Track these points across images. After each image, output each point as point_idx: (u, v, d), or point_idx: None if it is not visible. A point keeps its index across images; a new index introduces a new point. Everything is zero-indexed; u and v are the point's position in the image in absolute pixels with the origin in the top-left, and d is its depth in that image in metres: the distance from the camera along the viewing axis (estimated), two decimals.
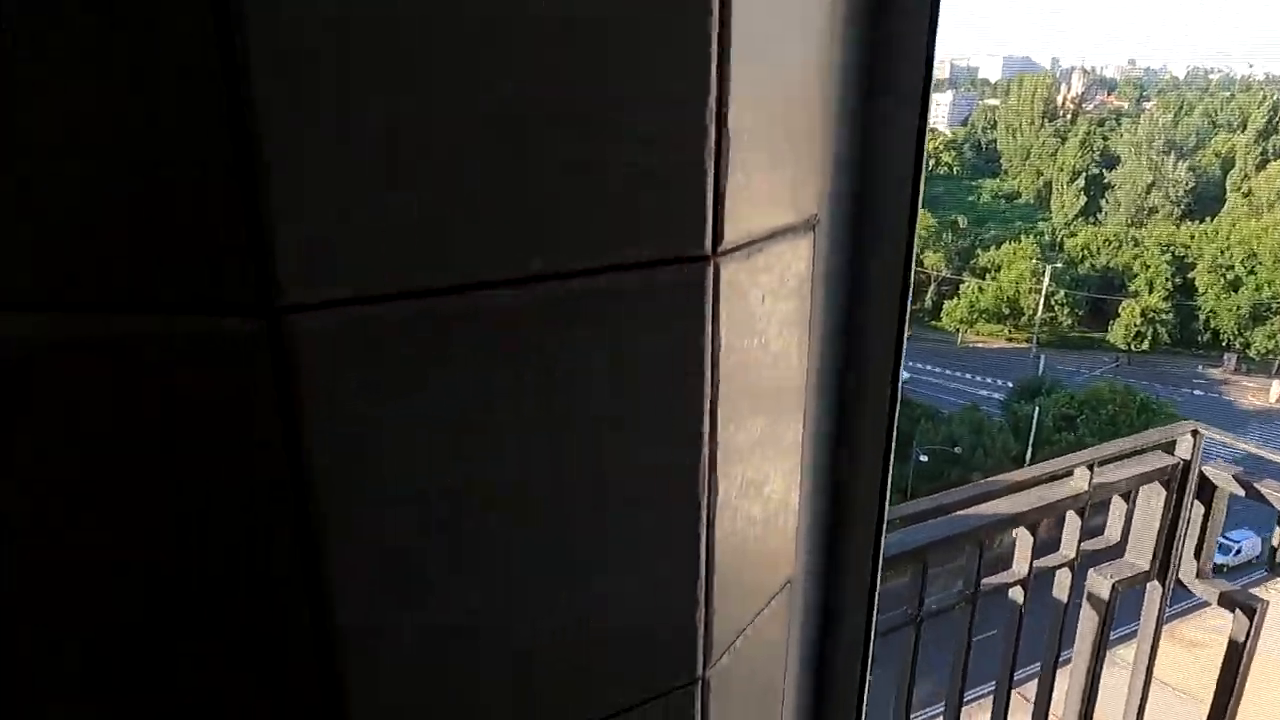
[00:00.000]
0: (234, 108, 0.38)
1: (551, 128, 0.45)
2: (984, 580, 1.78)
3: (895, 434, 0.82)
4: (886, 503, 0.85)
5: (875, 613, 0.88)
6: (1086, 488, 1.83)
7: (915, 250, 0.76)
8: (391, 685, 0.50)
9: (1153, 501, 2.01)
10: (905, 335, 0.80)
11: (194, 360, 0.42)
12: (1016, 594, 1.86)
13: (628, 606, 0.58)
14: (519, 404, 0.48)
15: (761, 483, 0.67)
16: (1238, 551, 20.06)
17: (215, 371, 0.43)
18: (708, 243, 0.53)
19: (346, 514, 0.46)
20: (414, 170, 0.42)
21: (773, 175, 0.60)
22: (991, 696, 2.06)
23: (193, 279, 0.41)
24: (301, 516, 0.45)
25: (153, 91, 0.38)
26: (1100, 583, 2.00)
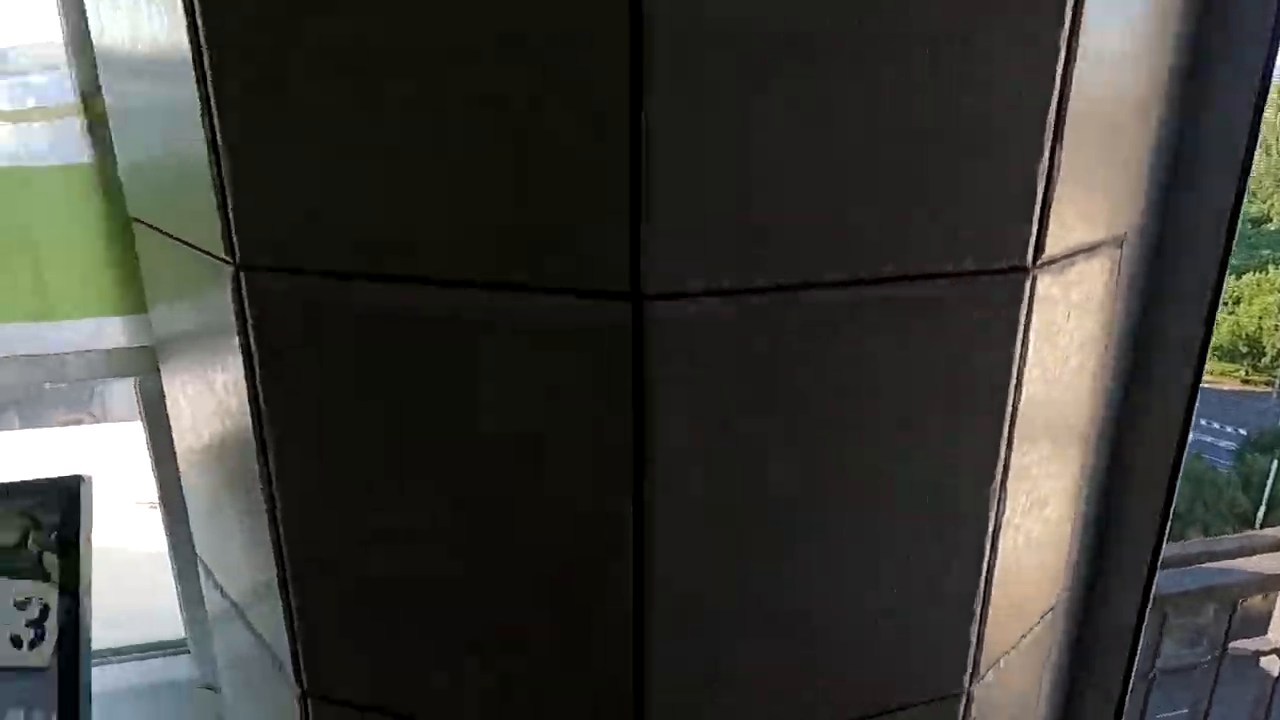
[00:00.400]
0: (634, 119, 0.43)
1: (904, 140, 0.47)
2: (1231, 644, 1.61)
3: (1181, 471, 0.77)
4: (1163, 544, 0.79)
5: (1136, 658, 0.83)
6: None
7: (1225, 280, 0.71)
8: (691, 655, 0.54)
9: None
10: (1204, 368, 0.74)
11: (566, 337, 0.48)
12: (1269, 664, 1.66)
13: (911, 609, 0.58)
14: (843, 400, 0.51)
15: (1043, 503, 0.65)
16: None
17: (582, 348, 0.48)
18: (1029, 255, 0.53)
19: (675, 486, 0.50)
20: (775, 178, 0.46)
21: (1093, 189, 0.59)
22: None
23: (577, 267, 0.47)
24: (638, 486, 0.50)
25: (566, 100, 0.44)
26: None
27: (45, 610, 0.86)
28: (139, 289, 0.79)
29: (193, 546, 0.91)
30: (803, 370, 0.50)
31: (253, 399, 0.57)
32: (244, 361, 0.56)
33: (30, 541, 0.86)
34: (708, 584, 0.53)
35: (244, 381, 0.57)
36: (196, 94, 0.50)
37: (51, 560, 0.86)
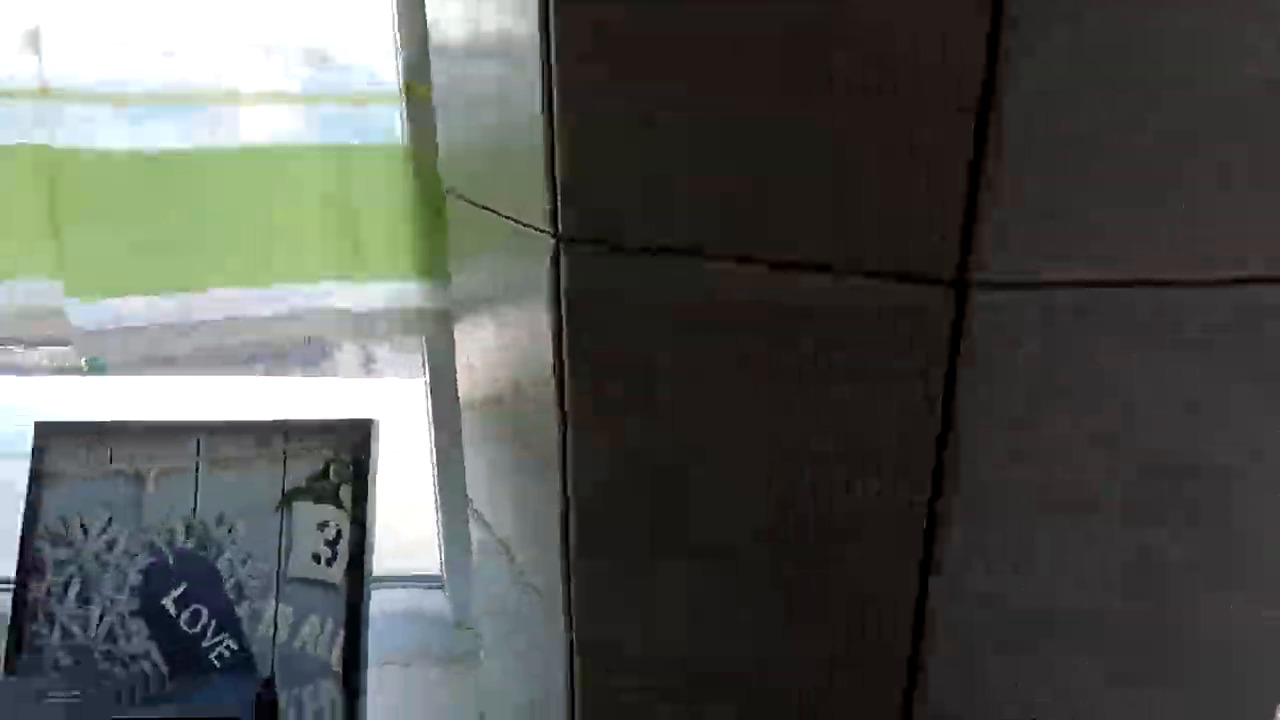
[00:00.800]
0: (983, 105, 0.42)
1: (1255, 135, 0.43)
2: None
3: None
4: None
5: None
6: None
7: None
8: (969, 659, 0.53)
9: None
10: None
11: (883, 322, 0.48)
12: None
13: (1246, 671, 0.54)
14: (1177, 416, 0.47)
15: None
16: None
17: (899, 334, 0.48)
18: None
19: (974, 483, 0.49)
20: (1126, 173, 0.43)
21: None
22: None
23: (902, 251, 0.47)
24: (937, 470, 0.49)
25: (913, 84, 0.44)
26: None
27: (339, 534, 0.98)
28: (441, 257, 0.87)
29: (463, 493, 1.00)
30: (1133, 374, 0.47)
31: (558, 365, 0.62)
32: (553, 329, 0.61)
33: (331, 473, 0.99)
34: (992, 588, 0.51)
35: (551, 347, 0.61)
36: (540, 78, 0.55)
37: (346, 491, 0.99)
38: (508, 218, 0.65)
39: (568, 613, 0.69)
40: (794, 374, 0.52)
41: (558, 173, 0.57)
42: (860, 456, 0.51)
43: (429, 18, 0.76)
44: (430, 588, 1.17)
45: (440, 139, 0.80)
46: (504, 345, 0.72)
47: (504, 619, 0.86)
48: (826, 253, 0.49)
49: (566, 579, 0.68)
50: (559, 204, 0.57)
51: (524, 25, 0.56)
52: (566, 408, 0.62)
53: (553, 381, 0.63)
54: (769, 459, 0.55)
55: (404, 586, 1.19)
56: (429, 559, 1.17)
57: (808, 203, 0.49)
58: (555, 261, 0.59)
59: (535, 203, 0.60)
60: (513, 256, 0.66)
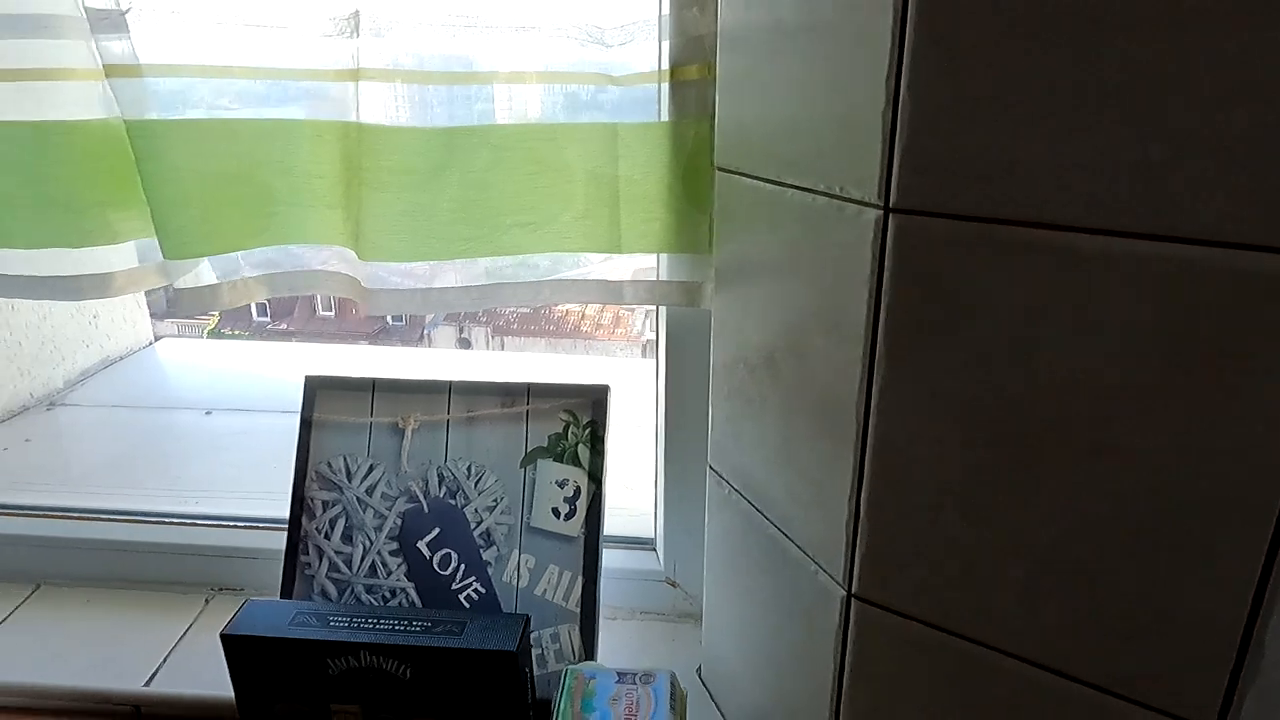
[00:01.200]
0: None
1: None
2: None
3: None
4: None
5: None
6: None
7: None
8: None
9: None
10: None
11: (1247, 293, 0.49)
12: None
13: None
14: None
15: None
16: None
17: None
18: None
19: None
20: None
21: None
22: None
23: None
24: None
25: None
26: None
27: (577, 491, 1.04)
28: (703, 231, 0.91)
29: (689, 458, 1.04)
30: None
31: (870, 332, 0.64)
32: (871, 295, 0.63)
33: (569, 433, 1.05)
34: None
35: (865, 313, 0.64)
36: (888, 54, 0.57)
37: (584, 451, 1.04)
38: (819, 192, 0.68)
39: (848, 575, 0.72)
40: (1144, 360, 0.53)
41: (897, 144, 0.59)
42: (1221, 445, 0.52)
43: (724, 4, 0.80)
44: (633, 548, 1.23)
45: (721, 117, 0.83)
46: (791, 312, 0.75)
47: (739, 578, 0.90)
48: (1225, 229, 0.49)
49: (852, 538, 0.71)
50: (892, 175, 0.60)
51: (869, 16, 0.58)
52: (874, 374, 0.65)
53: (862, 347, 0.65)
54: (1105, 442, 0.56)
55: (614, 546, 1.25)
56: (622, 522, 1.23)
57: (1202, 173, 0.49)
58: (880, 232, 0.61)
59: (858, 175, 0.62)
60: (813, 229, 0.69)
